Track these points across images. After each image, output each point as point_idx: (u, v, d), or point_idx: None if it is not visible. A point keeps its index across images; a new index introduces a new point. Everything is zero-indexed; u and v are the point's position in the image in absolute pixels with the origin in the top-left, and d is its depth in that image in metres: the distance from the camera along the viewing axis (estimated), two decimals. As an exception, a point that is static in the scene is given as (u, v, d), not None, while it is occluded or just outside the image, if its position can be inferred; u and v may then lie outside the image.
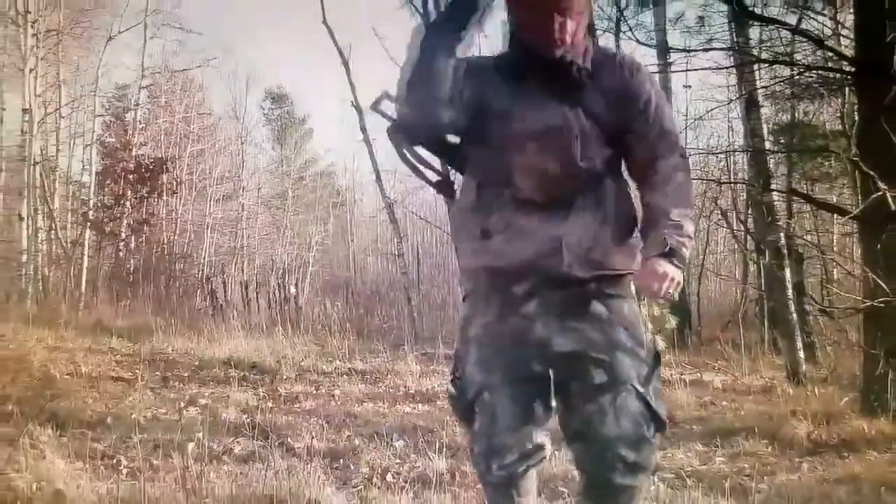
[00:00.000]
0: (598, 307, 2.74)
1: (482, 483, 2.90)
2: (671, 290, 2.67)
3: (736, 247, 10.86)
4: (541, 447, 2.78)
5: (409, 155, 2.89)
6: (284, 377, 8.36)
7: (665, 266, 2.63)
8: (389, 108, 2.94)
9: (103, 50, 17.20)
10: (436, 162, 2.95)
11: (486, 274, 2.78)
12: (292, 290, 15.35)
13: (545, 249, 2.69)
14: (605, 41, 9.13)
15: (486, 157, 2.77)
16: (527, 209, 2.72)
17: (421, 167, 2.91)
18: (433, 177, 2.94)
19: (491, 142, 2.73)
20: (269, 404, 7.02)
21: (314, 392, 7.69)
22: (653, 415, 2.72)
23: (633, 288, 2.85)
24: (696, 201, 2.80)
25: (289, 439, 5.65)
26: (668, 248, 2.62)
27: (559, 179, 2.68)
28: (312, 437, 5.67)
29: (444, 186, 3.03)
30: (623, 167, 2.82)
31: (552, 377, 2.77)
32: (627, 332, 2.75)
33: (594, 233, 2.71)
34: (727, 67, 8.76)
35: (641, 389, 2.72)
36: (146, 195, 17.07)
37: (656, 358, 2.81)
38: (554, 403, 2.78)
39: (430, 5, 2.75)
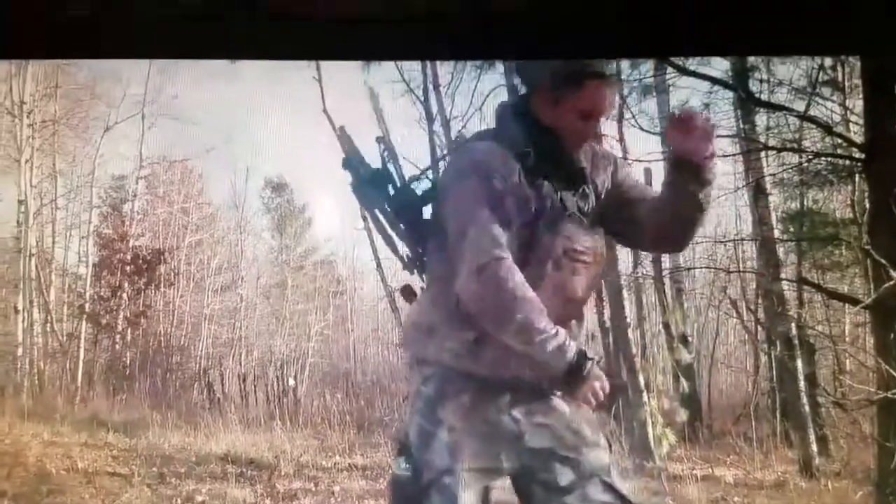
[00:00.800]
0: (559, 403, 2.80)
1: None
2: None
3: (746, 337, 10.75)
4: None
5: (380, 216, 2.91)
6: (283, 473, 8.28)
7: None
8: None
9: (100, 140, 17.16)
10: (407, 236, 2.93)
11: (464, 375, 2.73)
12: (291, 382, 15.23)
13: (535, 374, 2.72)
14: (608, 129, 9.14)
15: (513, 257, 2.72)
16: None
17: (391, 231, 2.96)
18: (404, 251, 2.94)
19: (519, 248, 2.69)
20: (268, 501, 6.94)
21: (313, 489, 7.62)
22: (624, 500, 2.72)
23: None
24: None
25: (288, 538, 5.59)
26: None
27: (575, 301, 2.69)
28: (312, 536, 5.61)
29: (415, 264, 3.00)
30: None
31: (513, 474, 2.80)
32: (588, 425, 2.81)
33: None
34: (733, 155, 8.72)
35: (608, 479, 2.75)
36: (143, 287, 17.02)
37: (608, 445, 2.81)
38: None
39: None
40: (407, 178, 3.10)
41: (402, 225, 2.95)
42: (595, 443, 2.81)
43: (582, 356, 2.61)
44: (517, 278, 2.64)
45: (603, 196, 2.93)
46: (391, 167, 3.08)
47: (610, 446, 2.88)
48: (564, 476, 2.72)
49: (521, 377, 2.70)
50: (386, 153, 3.10)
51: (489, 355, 2.67)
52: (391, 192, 3.03)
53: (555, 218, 2.73)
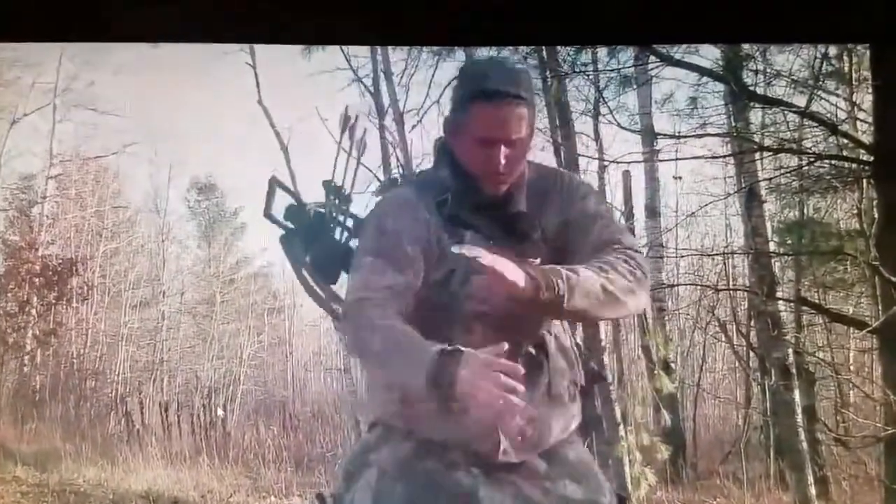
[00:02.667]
0: (534, 460, 2.60)
1: None
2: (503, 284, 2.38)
3: (737, 364, 10.77)
4: None
5: (307, 275, 2.89)
6: (210, 515, 8.23)
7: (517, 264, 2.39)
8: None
9: (6, 134, 17.06)
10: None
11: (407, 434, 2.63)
12: (220, 412, 15.15)
13: (480, 432, 2.54)
14: (583, 125, 9.11)
15: (418, 317, 2.55)
16: None
17: (320, 292, 2.90)
18: (331, 305, 2.86)
19: (429, 308, 2.57)
20: (193, 547, 6.89)
21: (244, 535, 7.55)
22: None
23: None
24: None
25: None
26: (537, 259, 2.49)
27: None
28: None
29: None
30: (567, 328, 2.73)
31: None
32: (577, 483, 2.59)
33: (535, 408, 2.51)
34: (724, 156, 8.70)
35: None
36: (54, 301, 16.92)
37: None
38: None
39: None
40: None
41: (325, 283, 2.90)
42: (588, 503, 2.66)
43: (443, 354, 2.50)
44: (374, 316, 2.60)
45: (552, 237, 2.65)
46: (335, 216, 3.02)
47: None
48: None
49: (465, 443, 2.59)
50: (334, 200, 3.04)
51: (418, 414, 2.59)
52: (315, 249, 2.99)
53: (466, 277, 2.63)
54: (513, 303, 2.41)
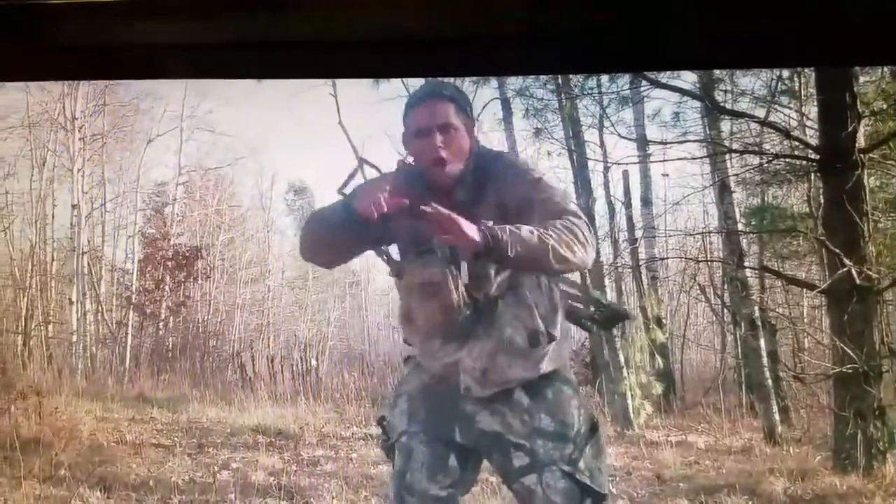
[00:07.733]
0: (520, 395, 2.70)
1: None
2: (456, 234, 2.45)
3: (714, 319, 10.72)
4: (452, 498, 2.73)
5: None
6: (307, 442, 8.26)
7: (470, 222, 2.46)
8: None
9: (143, 151, 17.13)
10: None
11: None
12: (313, 362, 15.18)
13: (445, 373, 2.70)
14: (591, 135, 9.10)
15: (399, 287, 2.85)
16: (431, 335, 2.74)
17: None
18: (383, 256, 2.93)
19: (399, 281, 2.81)
20: (294, 467, 6.93)
21: (334, 455, 7.59)
22: (586, 490, 2.62)
23: (568, 373, 2.83)
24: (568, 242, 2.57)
25: (312, 499, 5.58)
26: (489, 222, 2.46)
27: (449, 319, 2.66)
28: (333, 497, 5.60)
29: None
30: (523, 282, 2.72)
31: (474, 449, 2.78)
32: (550, 417, 2.69)
33: (490, 355, 2.66)
34: (701, 157, 8.68)
35: (568, 469, 2.62)
36: (183, 280, 16.99)
37: (592, 430, 2.71)
38: (471, 468, 2.81)
39: None
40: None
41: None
42: (555, 434, 2.67)
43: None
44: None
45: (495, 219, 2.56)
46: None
47: (593, 430, 2.76)
48: (518, 460, 2.66)
49: (441, 378, 2.74)
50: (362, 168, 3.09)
51: (414, 351, 2.85)
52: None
53: (411, 256, 2.74)
54: (470, 255, 2.51)
